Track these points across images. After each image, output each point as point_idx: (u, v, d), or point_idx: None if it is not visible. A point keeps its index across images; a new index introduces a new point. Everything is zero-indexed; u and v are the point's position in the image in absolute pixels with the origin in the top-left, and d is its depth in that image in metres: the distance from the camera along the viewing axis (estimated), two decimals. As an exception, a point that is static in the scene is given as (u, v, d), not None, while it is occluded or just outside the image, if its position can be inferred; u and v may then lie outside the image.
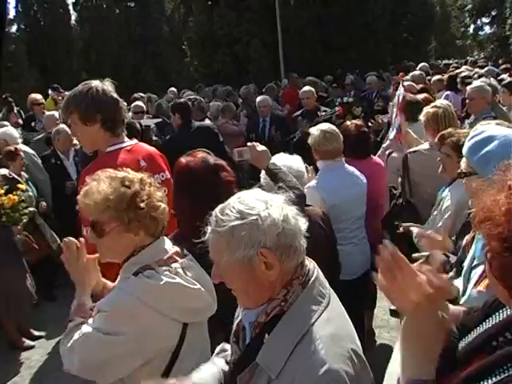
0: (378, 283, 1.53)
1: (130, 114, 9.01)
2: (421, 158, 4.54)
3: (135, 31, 33.89)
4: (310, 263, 1.79)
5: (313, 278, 1.74)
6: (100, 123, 3.15)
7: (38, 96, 10.18)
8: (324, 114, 7.33)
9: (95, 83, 3.19)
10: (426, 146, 4.71)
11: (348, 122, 4.98)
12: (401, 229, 3.81)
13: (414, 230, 3.77)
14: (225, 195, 2.01)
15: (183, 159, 2.84)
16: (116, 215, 2.17)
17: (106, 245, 2.26)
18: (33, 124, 9.11)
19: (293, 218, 1.70)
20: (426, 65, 15.16)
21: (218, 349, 2.16)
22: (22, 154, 6.53)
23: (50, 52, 33.54)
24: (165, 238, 2.35)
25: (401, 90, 5.54)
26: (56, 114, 8.76)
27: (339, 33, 25.16)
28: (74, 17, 36.36)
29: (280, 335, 1.65)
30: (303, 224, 1.73)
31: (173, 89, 14.85)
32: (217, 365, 2.02)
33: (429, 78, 11.40)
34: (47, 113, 8.99)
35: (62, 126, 7.21)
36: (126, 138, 3.33)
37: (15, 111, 10.51)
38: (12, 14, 34.52)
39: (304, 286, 1.71)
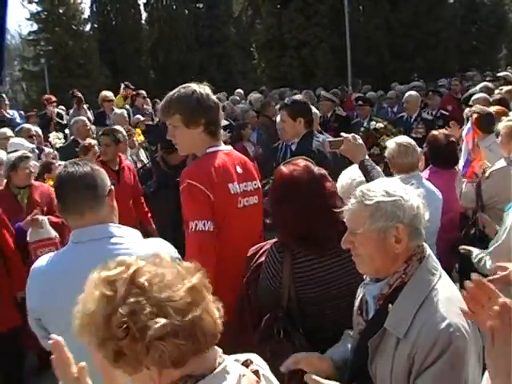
0: (467, 317, 1.71)
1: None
2: (493, 180, 4.39)
3: (203, 32, 34.39)
4: (423, 243, 2.06)
5: (427, 255, 2.02)
6: (203, 127, 3.08)
7: (109, 93, 10.46)
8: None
9: (196, 87, 3.11)
10: (501, 163, 4.52)
11: (436, 132, 4.86)
12: (461, 250, 3.89)
13: (475, 250, 3.81)
14: (328, 205, 2.07)
15: (285, 168, 2.69)
16: (101, 346, 1.32)
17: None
18: (107, 122, 9.31)
19: (423, 208, 2.00)
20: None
21: (344, 335, 2.42)
22: (96, 148, 6.64)
23: (120, 50, 34.50)
24: (227, 363, 1.41)
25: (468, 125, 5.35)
26: (125, 112, 8.95)
27: (407, 39, 24.77)
28: (144, 16, 37.23)
29: (403, 302, 1.94)
30: (427, 216, 2.02)
31: (239, 90, 14.93)
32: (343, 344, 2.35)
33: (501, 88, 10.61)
34: (116, 110, 9.19)
35: (117, 126, 7.21)
36: (222, 143, 3.26)
37: (85, 107, 10.79)
38: (87, 13, 35.78)
39: (420, 261, 2.00)
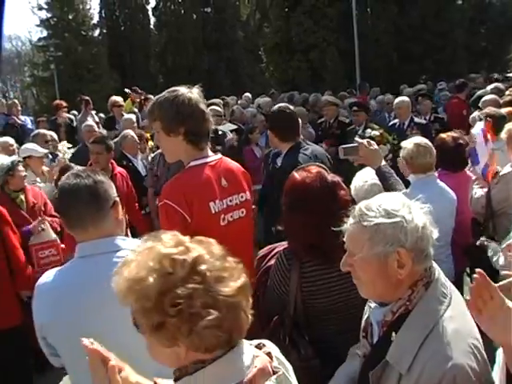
0: (470, 309, 1.66)
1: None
2: (501, 185, 4.39)
3: (211, 36, 34.47)
4: (432, 265, 1.90)
5: (435, 279, 1.86)
6: (183, 136, 2.91)
7: (119, 98, 10.54)
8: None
9: (182, 91, 2.92)
10: (507, 169, 4.51)
11: (443, 135, 4.86)
12: (477, 243, 3.92)
13: (492, 244, 3.78)
14: (340, 214, 1.99)
15: (297, 174, 2.64)
16: (140, 313, 1.39)
17: (147, 345, 1.46)
18: (117, 127, 9.39)
19: (429, 227, 1.83)
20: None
21: (350, 353, 2.36)
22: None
23: (129, 55, 34.76)
24: (242, 345, 1.48)
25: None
26: (133, 117, 9.00)
27: (416, 41, 24.69)
28: (152, 21, 37.40)
29: (407, 333, 1.79)
30: (435, 234, 1.85)
31: (247, 94, 14.91)
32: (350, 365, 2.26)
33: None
34: (125, 116, 9.24)
35: (128, 130, 7.30)
36: (210, 152, 3.08)
37: (92, 112, 10.88)
38: (96, 19, 36.08)
39: (427, 287, 1.84)
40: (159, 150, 6.10)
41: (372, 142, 3.21)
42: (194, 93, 2.95)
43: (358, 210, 1.87)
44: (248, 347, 1.49)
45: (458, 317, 1.81)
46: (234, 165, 3.22)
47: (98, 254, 2.17)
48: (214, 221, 2.92)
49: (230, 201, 3.03)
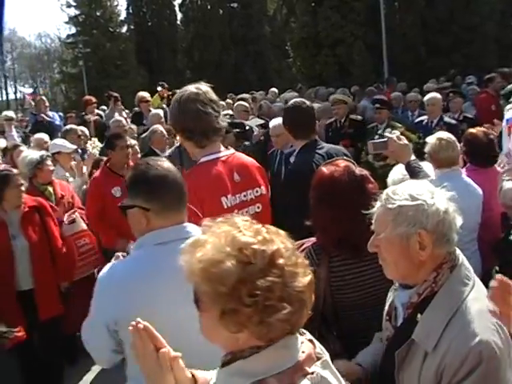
0: (494, 316, 1.70)
1: (228, 112, 9.01)
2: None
3: (237, 31, 34.54)
4: (456, 250, 1.96)
5: (459, 263, 1.92)
6: (181, 133, 3.00)
7: (146, 94, 10.55)
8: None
9: (189, 90, 2.93)
10: None
11: (473, 130, 4.77)
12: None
13: None
14: (368, 208, 2.00)
15: (325, 168, 2.62)
16: (210, 296, 1.38)
17: (205, 324, 1.46)
18: (144, 122, 9.46)
19: (452, 213, 1.90)
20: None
21: (375, 337, 2.37)
22: (136, 148, 6.64)
23: (156, 51, 35.00)
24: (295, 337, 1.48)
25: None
26: (161, 112, 9.04)
27: (444, 35, 24.36)
28: (179, 17, 37.59)
29: (433, 313, 1.85)
30: (459, 221, 1.91)
31: (273, 89, 14.87)
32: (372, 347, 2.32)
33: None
34: (152, 111, 9.29)
35: (157, 125, 7.31)
36: (222, 148, 3.05)
37: (121, 107, 10.96)
38: (123, 15, 36.46)
39: (452, 270, 1.90)
40: (174, 146, 6.27)
41: (402, 136, 3.18)
42: (200, 89, 2.94)
43: (384, 194, 1.96)
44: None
45: (481, 298, 1.85)
46: (248, 160, 3.18)
47: (174, 241, 2.09)
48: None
49: (244, 196, 3.01)
